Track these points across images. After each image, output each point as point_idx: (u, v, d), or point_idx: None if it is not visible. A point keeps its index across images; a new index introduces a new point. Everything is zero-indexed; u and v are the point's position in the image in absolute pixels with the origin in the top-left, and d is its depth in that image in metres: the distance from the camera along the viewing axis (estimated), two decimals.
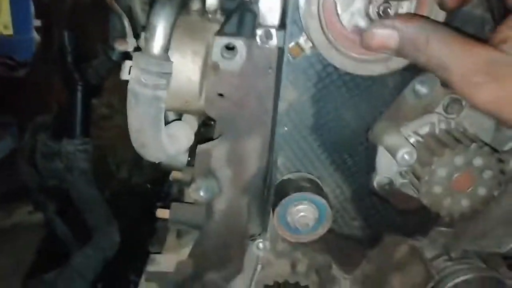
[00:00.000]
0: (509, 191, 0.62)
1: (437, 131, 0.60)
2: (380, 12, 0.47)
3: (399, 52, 0.46)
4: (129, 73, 0.58)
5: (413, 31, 0.44)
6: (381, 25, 0.45)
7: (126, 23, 0.89)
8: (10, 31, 3.01)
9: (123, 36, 0.89)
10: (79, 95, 1.33)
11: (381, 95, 0.59)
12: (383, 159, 0.62)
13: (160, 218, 0.90)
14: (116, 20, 1.21)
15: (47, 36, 1.67)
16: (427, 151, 0.57)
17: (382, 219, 0.67)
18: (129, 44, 0.86)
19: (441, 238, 0.68)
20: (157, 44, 0.56)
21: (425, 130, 0.61)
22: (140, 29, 0.88)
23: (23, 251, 1.48)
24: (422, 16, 0.48)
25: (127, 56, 0.90)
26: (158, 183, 1.51)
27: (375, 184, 0.64)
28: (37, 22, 2.80)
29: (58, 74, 1.45)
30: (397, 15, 0.48)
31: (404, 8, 0.49)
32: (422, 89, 0.60)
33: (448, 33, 0.44)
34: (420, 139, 0.60)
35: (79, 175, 1.26)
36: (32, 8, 2.83)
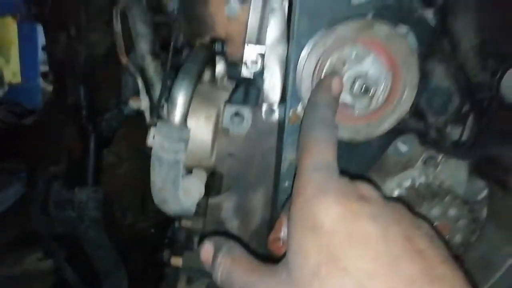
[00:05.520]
0: (483, 237, 0.71)
1: (417, 184, 0.69)
2: (362, 90, 0.57)
3: None
4: (153, 138, 0.68)
5: None
6: None
7: (140, 82, 0.99)
8: (18, 79, 3.09)
9: (135, 93, 0.99)
10: (92, 145, 1.43)
11: (367, 154, 0.69)
12: None
13: (169, 264, 0.96)
14: (128, 77, 1.32)
15: (60, 86, 1.78)
16: (408, 203, 0.65)
17: None
18: (142, 102, 0.96)
19: None
20: (177, 114, 0.66)
21: (407, 183, 0.70)
22: (151, 88, 0.98)
23: None
24: None
25: (137, 111, 1.00)
26: (162, 227, 1.57)
27: None
28: (43, 69, 2.90)
29: (72, 125, 1.56)
30: None
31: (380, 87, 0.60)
32: (403, 147, 0.70)
33: None
34: (403, 191, 0.69)
35: (90, 223, 1.33)
36: (40, 56, 2.92)
